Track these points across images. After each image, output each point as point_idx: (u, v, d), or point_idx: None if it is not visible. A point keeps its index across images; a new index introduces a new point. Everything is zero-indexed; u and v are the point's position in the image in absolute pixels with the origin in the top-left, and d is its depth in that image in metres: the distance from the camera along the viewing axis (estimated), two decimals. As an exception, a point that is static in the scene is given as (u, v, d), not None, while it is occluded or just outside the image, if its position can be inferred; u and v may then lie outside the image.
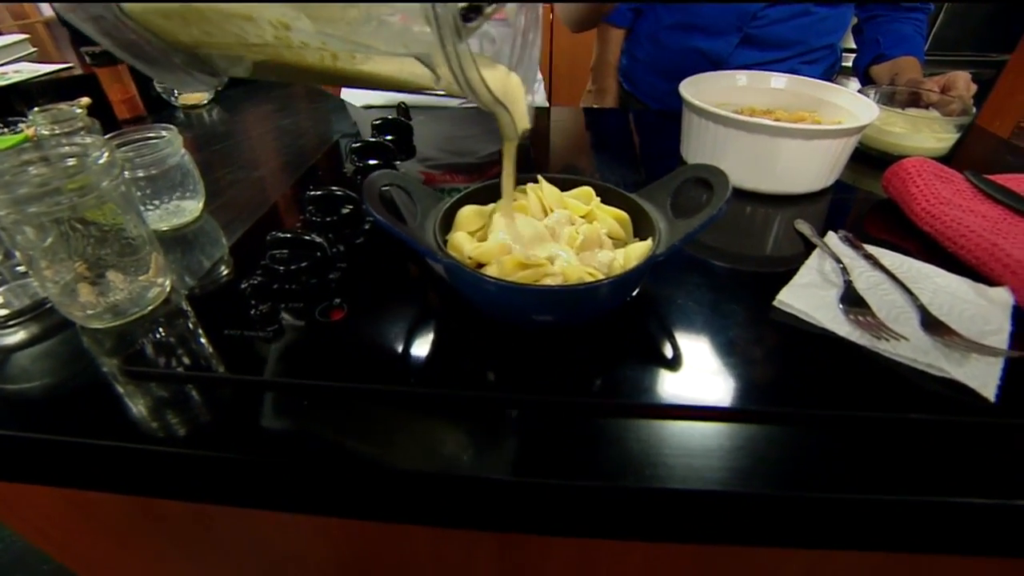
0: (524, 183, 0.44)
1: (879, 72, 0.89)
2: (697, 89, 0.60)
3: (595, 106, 1.03)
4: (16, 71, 0.85)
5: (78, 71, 0.90)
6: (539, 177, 0.43)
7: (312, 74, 0.32)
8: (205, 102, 0.88)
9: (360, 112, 0.84)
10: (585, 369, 0.35)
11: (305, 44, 0.28)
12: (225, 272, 0.46)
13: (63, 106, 0.58)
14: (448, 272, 0.36)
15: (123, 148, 0.51)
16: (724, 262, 0.48)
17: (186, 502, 0.42)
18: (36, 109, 0.54)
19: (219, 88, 0.91)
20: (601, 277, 0.34)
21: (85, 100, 0.70)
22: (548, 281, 0.34)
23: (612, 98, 1.02)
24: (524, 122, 0.34)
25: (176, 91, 0.87)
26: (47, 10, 3.01)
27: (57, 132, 0.53)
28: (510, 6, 0.37)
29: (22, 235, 0.37)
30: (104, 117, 0.75)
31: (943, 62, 1.94)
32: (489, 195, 0.43)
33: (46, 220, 0.36)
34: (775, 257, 0.50)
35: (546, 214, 0.41)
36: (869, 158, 0.64)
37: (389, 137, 0.65)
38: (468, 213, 0.40)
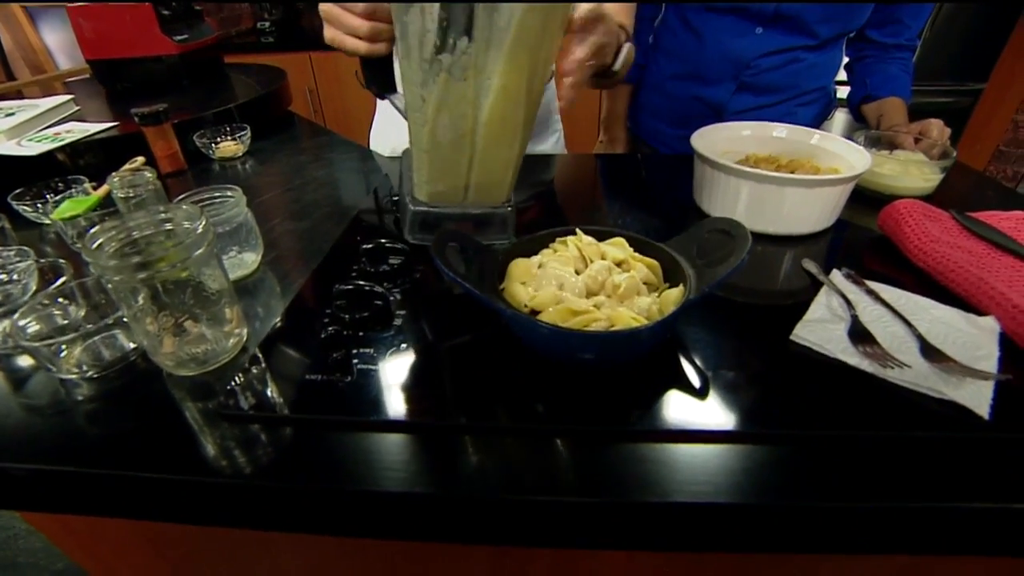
0: (564, 235, 0.49)
1: (868, 111, 0.97)
2: (705, 139, 0.66)
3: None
4: (68, 131, 0.91)
5: (115, 129, 0.95)
6: (577, 230, 0.49)
7: None
8: (240, 155, 0.94)
9: (388, 162, 0.90)
10: (625, 402, 0.40)
11: None
12: (292, 320, 0.51)
13: (134, 165, 0.63)
14: (511, 320, 0.41)
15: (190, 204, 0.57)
16: (742, 298, 0.53)
17: (258, 530, 0.46)
18: (114, 175, 0.60)
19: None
20: (643, 321, 0.39)
21: (140, 159, 0.76)
22: (595, 326, 0.39)
23: (622, 147, 1.09)
24: None
25: (213, 146, 0.93)
26: (64, 63, 3.11)
27: (132, 196, 0.58)
28: None
29: (121, 295, 0.42)
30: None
31: (923, 91, 2.05)
32: (532, 247, 0.49)
33: (145, 284, 0.41)
34: (787, 291, 0.55)
35: (585, 263, 0.47)
36: (865, 197, 0.70)
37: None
38: (518, 265, 0.45)
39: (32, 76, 3.09)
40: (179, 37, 1.16)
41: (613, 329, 0.39)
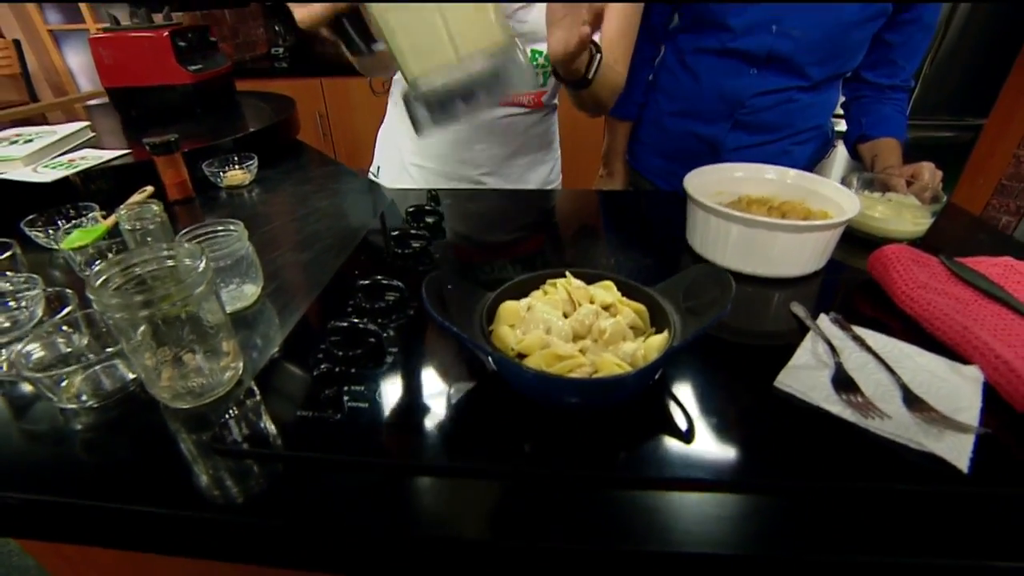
0: (554, 277, 0.51)
1: (863, 150, 0.98)
2: (699, 180, 0.68)
3: (606, 188, 1.12)
4: (82, 158, 0.94)
5: (128, 156, 0.98)
6: (567, 273, 0.50)
7: None
8: (247, 183, 0.97)
9: (388, 194, 0.92)
10: (610, 444, 0.41)
11: None
12: (288, 355, 0.52)
13: (143, 196, 0.66)
14: (497, 364, 0.42)
15: (197, 240, 0.59)
16: (730, 338, 0.54)
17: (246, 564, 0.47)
18: (122, 208, 0.62)
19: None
20: (627, 368, 0.40)
21: (149, 189, 0.78)
22: (580, 372, 0.40)
23: (621, 180, 1.11)
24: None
25: (221, 174, 0.95)
26: (85, 85, 3.19)
27: (138, 228, 0.60)
28: None
29: (121, 330, 0.43)
30: (158, 197, 0.84)
31: (926, 126, 2.07)
32: (521, 289, 0.50)
33: (145, 319, 0.43)
34: (774, 334, 0.56)
35: (574, 306, 0.48)
36: (856, 239, 0.72)
37: (422, 223, 0.73)
38: (508, 308, 0.47)
39: (54, 96, 3.19)
40: (194, 67, 1.20)
41: (595, 376, 0.40)
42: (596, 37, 0.75)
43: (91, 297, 0.41)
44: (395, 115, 1.04)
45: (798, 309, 0.56)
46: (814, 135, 0.97)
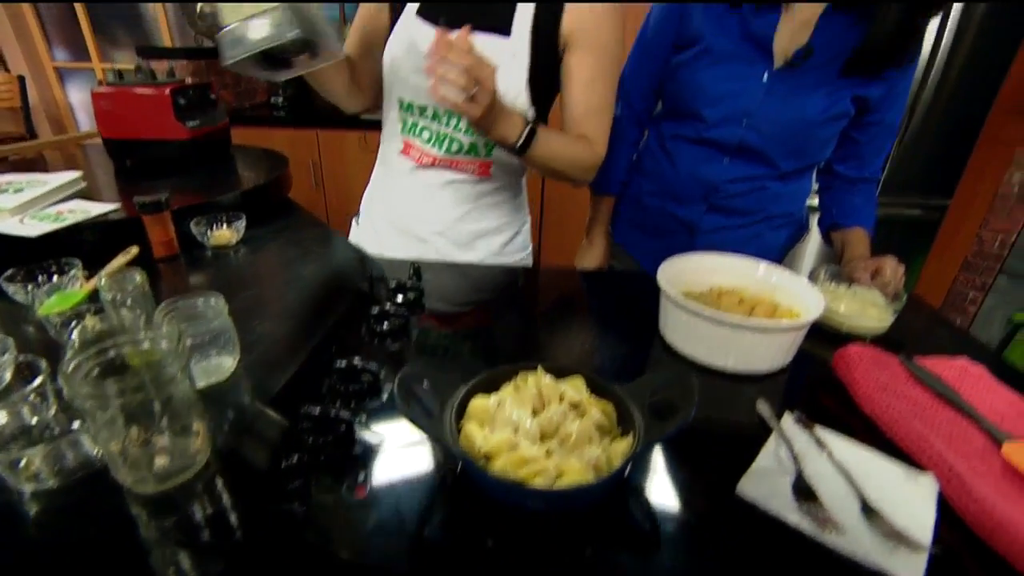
0: (525, 370, 0.52)
1: (834, 237, 1.03)
2: (672, 270, 0.70)
3: (586, 264, 1.16)
4: (71, 210, 0.95)
5: (117, 211, 0.99)
6: (539, 367, 0.51)
7: None
8: (233, 243, 0.98)
9: (372, 264, 0.94)
10: (574, 548, 0.41)
11: None
12: (258, 439, 0.52)
13: (127, 257, 0.66)
14: (463, 464, 0.43)
15: (174, 313, 0.59)
16: (696, 434, 0.55)
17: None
18: (104, 275, 0.63)
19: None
20: (590, 475, 0.41)
21: (134, 251, 0.79)
22: (544, 477, 0.41)
23: (602, 251, 1.15)
24: None
25: (208, 232, 0.97)
26: (83, 120, 3.24)
27: (120, 298, 0.61)
28: None
29: (89, 413, 0.43)
30: (144, 253, 0.85)
31: (895, 204, 2.17)
32: (494, 382, 0.51)
33: (115, 405, 0.43)
34: (740, 430, 0.57)
35: (543, 403, 0.49)
36: (824, 333, 0.74)
37: (402, 298, 0.75)
38: (477, 405, 0.48)
39: (51, 129, 3.22)
40: (192, 123, 1.23)
41: (557, 487, 0.40)
42: (531, 112, 0.85)
43: (61, 383, 0.41)
44: (379, 172, 1.07)
45: (763, 408, 0.58)
46: (786, 221, 1.02)
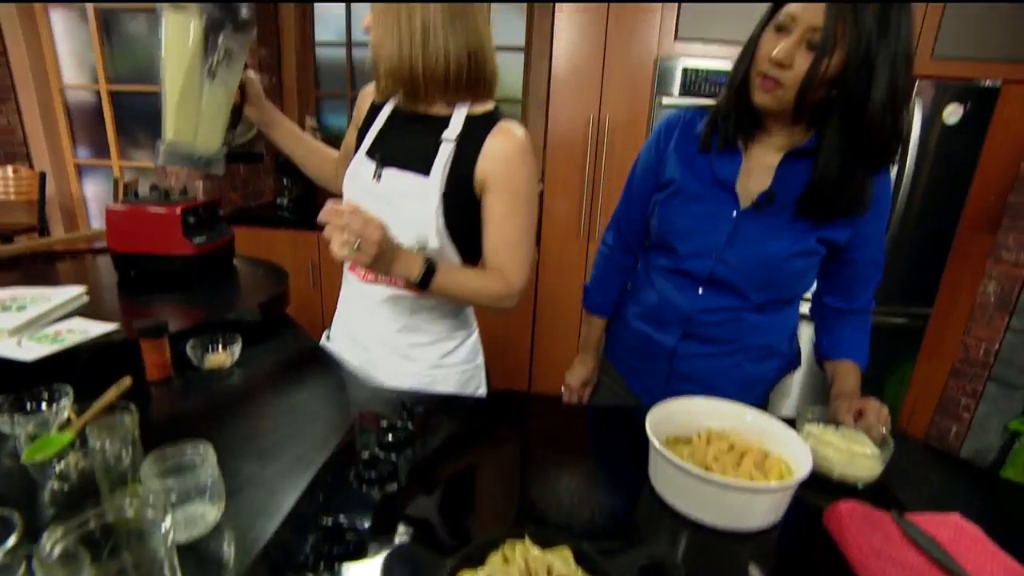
0: (513, 536, 0.51)
1: (825, 366, 1.04)
2: (661, 414, 0.71)
3: (574, 379, 1.21)
4: (70, 330, 0.96)
5: (116, 333, 1.00)
6: (526, 536, 0.51)
7: None
8: (227, 365, 0.99)
9: (365, 392, 0.95)
10: None
11: None
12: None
13: (120, 389, 0.66)
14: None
15: (161, 468, 0.58)
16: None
17: None
18: (92, 424, 0.63)
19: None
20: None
21: (127, 382, 0.79)
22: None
23: (591, 367, 1.20)
24: None
25: (203, 355, 0.97)
26: (94, 212, 3.35)
27: (107, 446, 0.60)
28: None
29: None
30: (137, 376, 0.84)
31: (880, 312, 2.23)
32: (481, 551, 0.50)
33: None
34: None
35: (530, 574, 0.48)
36: (814, 477, 0.73)
37: (392, 436, 0.74)
38: (463, 583, 0.47)
39: (63, 222, 3.33)
40: (198, 239, 1.28)
41: None
42: (439, 243, 0.93)
43: (35, 568, 0.40)
44: (343, 283, 1.13)
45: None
46: (766, 353, 1.03)
